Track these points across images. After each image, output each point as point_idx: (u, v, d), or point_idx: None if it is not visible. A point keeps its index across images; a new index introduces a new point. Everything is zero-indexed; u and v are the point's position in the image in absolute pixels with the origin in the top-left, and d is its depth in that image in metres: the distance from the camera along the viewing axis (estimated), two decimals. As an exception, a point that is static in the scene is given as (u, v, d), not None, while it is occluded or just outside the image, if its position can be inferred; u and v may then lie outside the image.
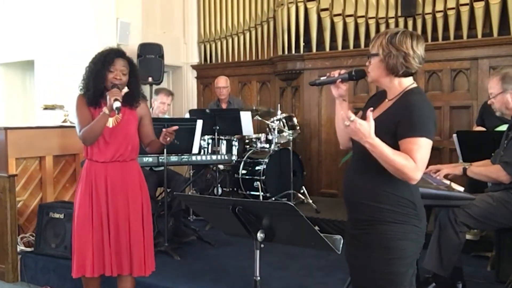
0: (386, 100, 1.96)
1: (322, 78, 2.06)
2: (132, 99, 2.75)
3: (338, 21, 5.72)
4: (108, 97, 2.61)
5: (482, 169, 2.97)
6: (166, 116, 4.99)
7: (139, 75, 2.82)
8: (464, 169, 2.96)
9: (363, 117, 1.86)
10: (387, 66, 1.88)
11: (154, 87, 5.92)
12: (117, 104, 2.56)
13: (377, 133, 1.77)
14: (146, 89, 6.09)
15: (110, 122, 2.69)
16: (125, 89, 2.69)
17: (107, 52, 2.70)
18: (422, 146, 1.78)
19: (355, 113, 1.84)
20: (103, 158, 2.71)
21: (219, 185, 5.13)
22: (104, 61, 2.66)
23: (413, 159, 1.76)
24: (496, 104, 3.08)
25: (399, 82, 1.91)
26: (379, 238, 1.88)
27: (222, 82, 5.73)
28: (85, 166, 2.78)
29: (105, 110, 2.61)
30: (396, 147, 1.80)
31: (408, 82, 1.92)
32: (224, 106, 5.76)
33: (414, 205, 1.89)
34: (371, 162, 1.82)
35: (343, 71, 2.01)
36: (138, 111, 2.81)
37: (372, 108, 1.81)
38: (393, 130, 1.83)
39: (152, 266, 2.83)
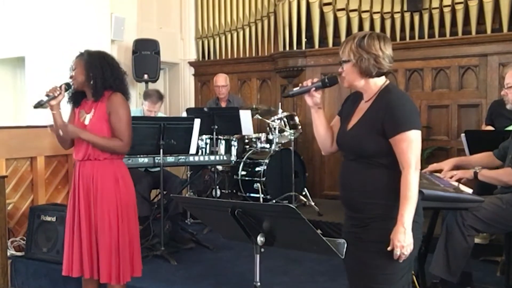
0: (363, 101, 2.06)
1: (295, 89, 2.16)
2: (95, 93, 2.75)
3: (342, 16, 5.67)
4: None
5: (493, 173, 2.92)
6: (162, 114, 4.88)
7: (100, 68, 2.73)
8: (475, 173, 2.91)
9: (344, 122, 2.09)
10: (360, 70, 1.98)
11: (150, 84, 5.81)
12: (43, 98, 2.69)
13: (365, 134, 1.94)
14: (141, 87, 5.99)
15: (87, 120, 2.78)
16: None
17: None
18: (413, 140, 1.89)
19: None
20: (77, 157, 2.81)
21: (217, 186, 5.08)
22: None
23: (406, 161, 1.87)
24: (510, 95, 3.04)
25: (374, 83, 2.02)
26: (380, 234, 1.92)
27: (221, 80, 5.62)
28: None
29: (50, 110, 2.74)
30: (387, 144, 1.91)
31: (382, 81, 2.03)
32: (223, 104, 5.68)
33: None
34: (366, 162, 1.96)
35: (315, 80, 2.12)
36: (107, 106, 2.77)
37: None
38: (380, 129, 1.93)
39: (125, 276, 2.77)
